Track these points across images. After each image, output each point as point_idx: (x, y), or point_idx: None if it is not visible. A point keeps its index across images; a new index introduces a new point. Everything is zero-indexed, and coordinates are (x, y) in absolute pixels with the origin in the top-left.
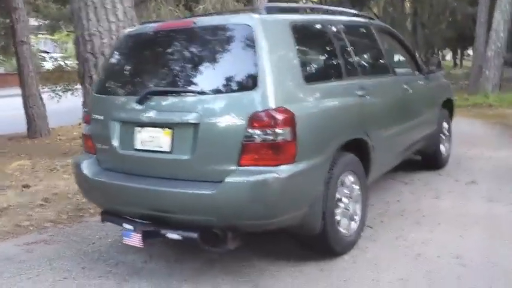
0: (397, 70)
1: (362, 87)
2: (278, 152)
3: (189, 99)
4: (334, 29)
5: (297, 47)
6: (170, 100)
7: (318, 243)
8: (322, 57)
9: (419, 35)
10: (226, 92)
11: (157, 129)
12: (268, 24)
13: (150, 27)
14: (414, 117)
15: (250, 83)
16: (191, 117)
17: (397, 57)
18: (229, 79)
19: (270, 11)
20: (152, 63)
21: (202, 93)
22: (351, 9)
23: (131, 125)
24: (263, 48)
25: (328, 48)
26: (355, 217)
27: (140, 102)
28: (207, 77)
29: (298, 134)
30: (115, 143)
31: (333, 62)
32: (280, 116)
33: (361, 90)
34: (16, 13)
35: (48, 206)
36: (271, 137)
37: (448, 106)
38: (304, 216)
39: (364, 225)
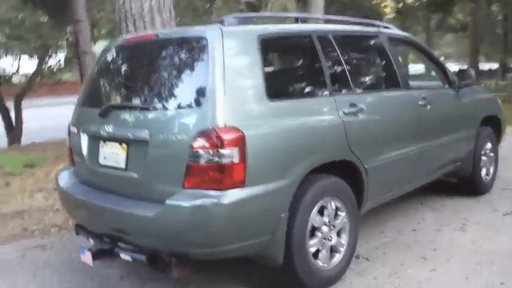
0: (415, 84)
1: (353, 104)
2: (224, 175)
3: (142, 114)
4: (319, 40)
5: (263, 62)
6: (126, 115)
7: (285, 275)
8: (299, 72)
9: (510, 42)
10: (177, 108)
11: (116, 144)
12: (228, 37)
13: (123, 40)
14: (436, 137)
15: (199, 99)
16: (141, 134)
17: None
18: (181, 95)
19: (239, 22)
20: (119, 76)
21: (154, 109)
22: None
23: (96, 138)
24: (216, 62)
25: (307, 62)
26: (340, 248)
27: (102, 115)
28: (161, 91)
29: (250, 155)
30: (85, 156)
31: (313, 77)
32: (226, 136)
33: (350, 108)
34: (79, 25)
35: (62, 211)
36: (215, 159)
37: (493, 124)
38: (265, 245)
39: (351, 258)
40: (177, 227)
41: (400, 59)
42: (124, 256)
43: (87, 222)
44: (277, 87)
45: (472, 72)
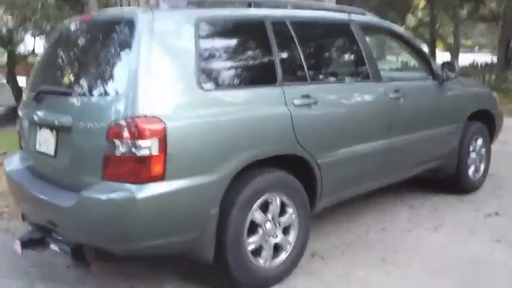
0: (393, 76)
1: (306, 95)
2: (140, 168)
3: (68, 100)
4: (273, 26)
5: (200, 48)
6: (55, 100)
7: (219, 274)
8: (243, 61)
9: None
10: (99, 94)
11: (48, 130)
12: (160, 20)
13: (70, 21)
14: (410, 131)
15: (121, 85)
16: (64, 120)
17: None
18: (105, 80)
19: (177, 4)
20: (57, 59)
21: (78, 94)
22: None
23: (33, 124)
24: (142, 46)
25: (255, 50)
26: (286, 246)
27: (36, 100)
28: (88, 76)
29: (172, 147)
30: (26, 141)
31: (260, 66)
32: (144, 126)
33: (302, 99)
34: (88, 6)
35: None
36: (132, 150)
37: (486, 119)
38: (194, 242)
39: (300, 257)
40: (91, 220)
41: (371, 48)
42: (53, 246)
43: (25, 210)
44: (214, 76)
45: (456, 65)
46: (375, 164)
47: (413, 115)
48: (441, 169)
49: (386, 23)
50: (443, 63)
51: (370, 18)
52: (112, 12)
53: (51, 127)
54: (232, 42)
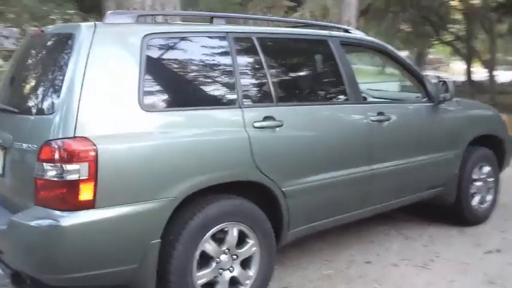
0: (378, 96)
1: (269, 117)
2: (68, 194)
3: (11, 118)
4: (237, 43)
5: (147, 67)
6: (4, 117)
7: None
8: (197, 80)
9: None
10: (36, 112)
11: None
12: (102, 35)
13: (30, 34)
14: (396, 157)
15: (55, 104)
16: (6, 139)
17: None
18: (44, 97)
19: (123, 17)
20: (11, 74)
21: (21, 111)
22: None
23: None
24: (79, 63)
25: (212, 68)
26: (244, 281)
27: None
28: (31, 93)
29: (104, 172)
30: None
31: (216, 86)
32: (73, 148)
33: (264, 121)
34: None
35: None
36: (60, 174)
37: (494, 145)
38: (135, 274)
39: None
40: (19, 246)
41: (352, 68)
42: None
43: None
44: (161, 96)
45: (451, 85)
46: (354, 192)
47: (401, 140)
48: (439, 199)
49: (374, 41)
50: (438, 83)
51: (353, 35)
52: (60, 26)
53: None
54: (187, 60)
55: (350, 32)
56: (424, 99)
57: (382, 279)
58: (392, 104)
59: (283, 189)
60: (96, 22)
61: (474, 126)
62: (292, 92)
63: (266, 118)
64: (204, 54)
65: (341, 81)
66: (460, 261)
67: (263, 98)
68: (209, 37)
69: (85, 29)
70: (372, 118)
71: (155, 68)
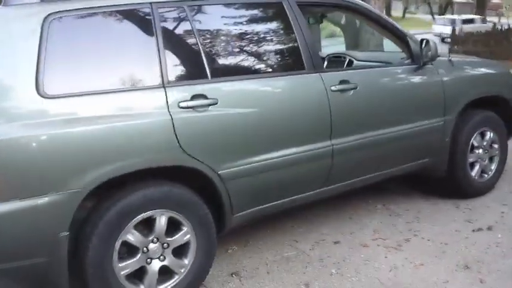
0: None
1: (199, 95)
2: None
3: None
4: (162, 15)
5: (48, 48)
6: None
7: None
8: (111, 61)
9: None
10: None
11: None
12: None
13: None
14: (364, 131)
15: None
16: None
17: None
18: None
19: None
20: None
21: None
22: None
23: None
24: None
25: (131, 46)
26: (180, 270)
27: None
28: None
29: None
30: None
31: (133, 65)
32: None
33: (192, 100)
34: None
35: None
36: None
37: (501, 107)
38: (46, 267)
39: (201, 281)
40: None
41: (309, 32)
42: None
43: None
44: (66, 80)
45: (433, 44)
46: (311, 170)
47: (371, 110)
48: (428, 170)
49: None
50: (422, 41)
51: None
52: None
53: None
54: (99, 38)
55: None
56: (407, 61)
57: (343, 262)
58: (362, 69)
59: (219, 172)
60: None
61: (471, 87)
62: (231, 66)
63: (195, 97)
64: (121, 30)
65: (295, 50)
66: (440, 241)
67: (194, 74)
68: (128, 10)
69: None
70: (332, 88)
71: (60, 50)
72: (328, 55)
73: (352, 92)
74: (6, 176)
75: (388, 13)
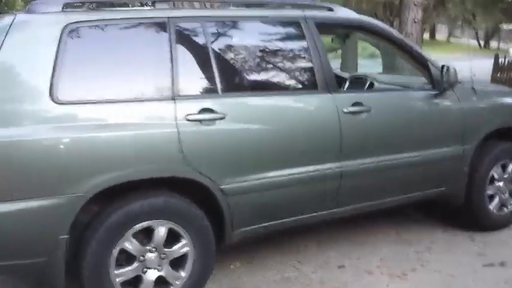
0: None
1: (208, 109)
2: None
3: None
4: (179, 29)
5: (65, 56)
6: None
7: None
8: (126, 71)
9: None
10: None
11: None
12: (20, 25)
13: None
14: (376, 154)
15: None
16: None
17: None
18: None
19: (46, 7)
20: None
21: None
22: None
23: None
24: None
25: (145, 58)
26: (175, 281)
27: None
28: None
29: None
30: None
31: (145, 76)
32: None
33: (200, 114)
34: None
35: None
36: None
37: None
38: (44, 267)
39: None
40: None
41: (325, 52)
42: None
43: None
44: (79, 88)
45: (452, 70)
46: (317, 191)
47: (384, 134)
48: (445, 200)
49: (364, 20)
50: (443, 67)
51: (334, 15)
52: None
53: None
54: (116, 49)
55: (333, 11)
56: (427, 87)
57: (344, 287)
58: (377, 92)
59: (222, 186)
60: (18, 13)
61: (493, 117)
62: (242, 82)
63: (203, 110)
64: (136, 41)
65: (309, 69)
66: (448, 273)
67: (205, 89)
68: (145, 23)
69: (4, 21)
70: (344, 110)
71: (75, 58)
72: (350, 76)
73: (365, 114)
74: (10, 177)
75: (432, 36)
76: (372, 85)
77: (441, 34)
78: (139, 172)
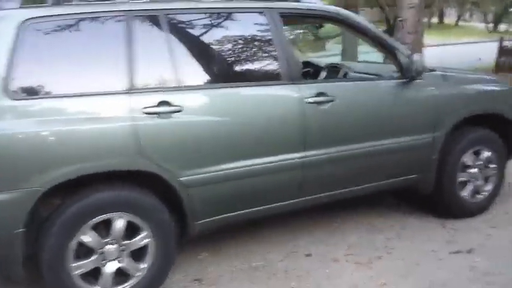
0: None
1: (165, 102)
2: None
3: None
4: (134, 22)
5: (20, 52)
6: None
7: None
8: (83, 66)
9: None
10: None
11: None
12: None
13: None
14: (340, 144)
15: None
16: None
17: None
18: None
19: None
20: None
21: None
22: None
23: None
24: None
25: (99, 53)
26: (136, 273)
27: None
28: None
29: None
30: None
31: (102, 71)
32: None
33: (157, 107)
34: None
35: None
36: None
37: (500, 126)
38: (4, 260)
39: (159, 285)
40: None
41: (288, 42)
42: None
43: None
44: (36, 82)
45: (418, 58)
46: (281, 181)
47: (350, 123)
48: (414, 187)
49: (330, 10)
50: (410, 55)
51: (300, 4)
52: None
53: None
54: (72, 44)
55: (298, 1)
56: (396, 75)
57: (307, 276)
58: (343, 82)
59: (181, 179)
60: None
61: (464, 104)
62: (202, 75)
63: (161, 103)
64: (92, 36)
65: (272, 60)
66: (413, 261)
67: (162, 82)
68: (102, 17)
69: None
70: (308, 100)
71: (31, 54)
72: (326, 65)
73: (329, 104)
74: None
75: (441, 20)
76: (346, 74)
77: (450, 18)
78: (94, 166)
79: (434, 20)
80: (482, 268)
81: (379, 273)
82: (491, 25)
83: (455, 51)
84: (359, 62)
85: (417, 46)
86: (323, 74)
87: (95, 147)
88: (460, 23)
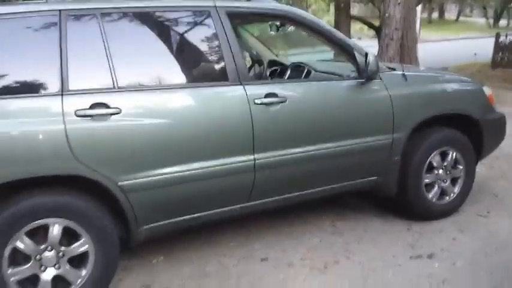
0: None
1: (99, 103)
2: None
3: None
4: (67, 20)
5: None
6: None
7: None
8: (13, 66)
9: None
10: None
11: None
12: None
13: None
14: (292, 146)
15: None
16: None
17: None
18: None
19: None
20: None
21: None
22: None
23: None
24: None
25: (33, 52)
26: (76, 280)
27: None
28: None
29: None
30: None
31: (32, 72)
32: None
33: (90, 110)
34: None
35: None
36: None
37: (469, 127)
38: None
39: None
40: None
41: (237, 42)
42: None
43: None
44: None
45: (373, 58)
46: (229, 185)
47: (302, 124)
48: (377, 189)
49: (282, 9)
50: (366, 55)
51: (250, 3)
52: None
53: None
54: (4, 43)
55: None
56: (353, 75)
57: (259, 282)
58: (295, 82)
59: (119, 183)
60: None
61: (426, 104)
62: (142, 76)
63: (95, 105)
64: (24, 36)
65: (218, 60)
66: (370, 267)
67: (98, 83)
68: (36, 17)
69: None
70: (256, 101)
71: None
72: (290, 64)
73: (279, 106)
74: None
75: (441, 15)
76: (309, 74)
77: (451, 13)
78: (25, 171)
79: (435, 15)
80: (438, 275)
81: (332, 279)
82: (491, 20)
83: (453, 46)
84: (328, 60)
85: (412, 42)
86: (287, 74)
87: (26, 151)
88: (461, 18)
